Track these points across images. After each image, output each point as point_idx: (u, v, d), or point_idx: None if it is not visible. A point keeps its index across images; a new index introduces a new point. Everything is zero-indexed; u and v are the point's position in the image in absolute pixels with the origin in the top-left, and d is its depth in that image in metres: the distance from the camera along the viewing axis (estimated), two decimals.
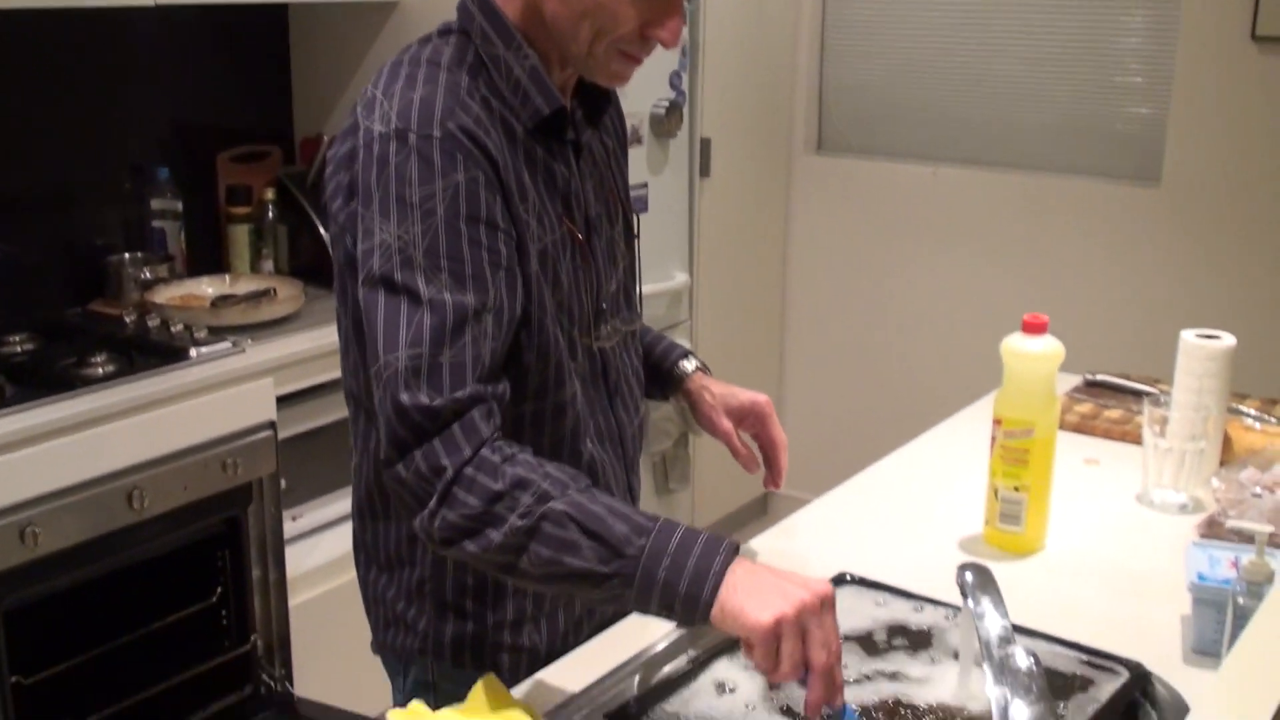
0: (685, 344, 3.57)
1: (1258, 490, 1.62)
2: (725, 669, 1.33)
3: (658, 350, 1.66)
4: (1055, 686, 1.31)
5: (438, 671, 1.45)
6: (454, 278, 1.23)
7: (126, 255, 2.85)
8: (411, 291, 1.23)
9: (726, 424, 1.61)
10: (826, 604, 1.14)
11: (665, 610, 1.17)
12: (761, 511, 4.10)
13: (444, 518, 1.20)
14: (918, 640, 1.39)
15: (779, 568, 1.18)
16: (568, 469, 1.23)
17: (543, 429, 1.38)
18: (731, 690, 1.27)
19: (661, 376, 1.65)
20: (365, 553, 1.49)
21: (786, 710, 1.24)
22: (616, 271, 1.50)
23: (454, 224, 1.24)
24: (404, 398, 1.20)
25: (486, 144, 1.27)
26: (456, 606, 1.43)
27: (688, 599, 1.14)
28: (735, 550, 1.17)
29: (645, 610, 1.18)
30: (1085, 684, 1.32)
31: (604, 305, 1.46)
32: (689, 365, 1.66)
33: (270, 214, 3.03)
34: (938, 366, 3.81)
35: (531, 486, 1.19)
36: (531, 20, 1.34)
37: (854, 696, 1.27)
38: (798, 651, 1.12)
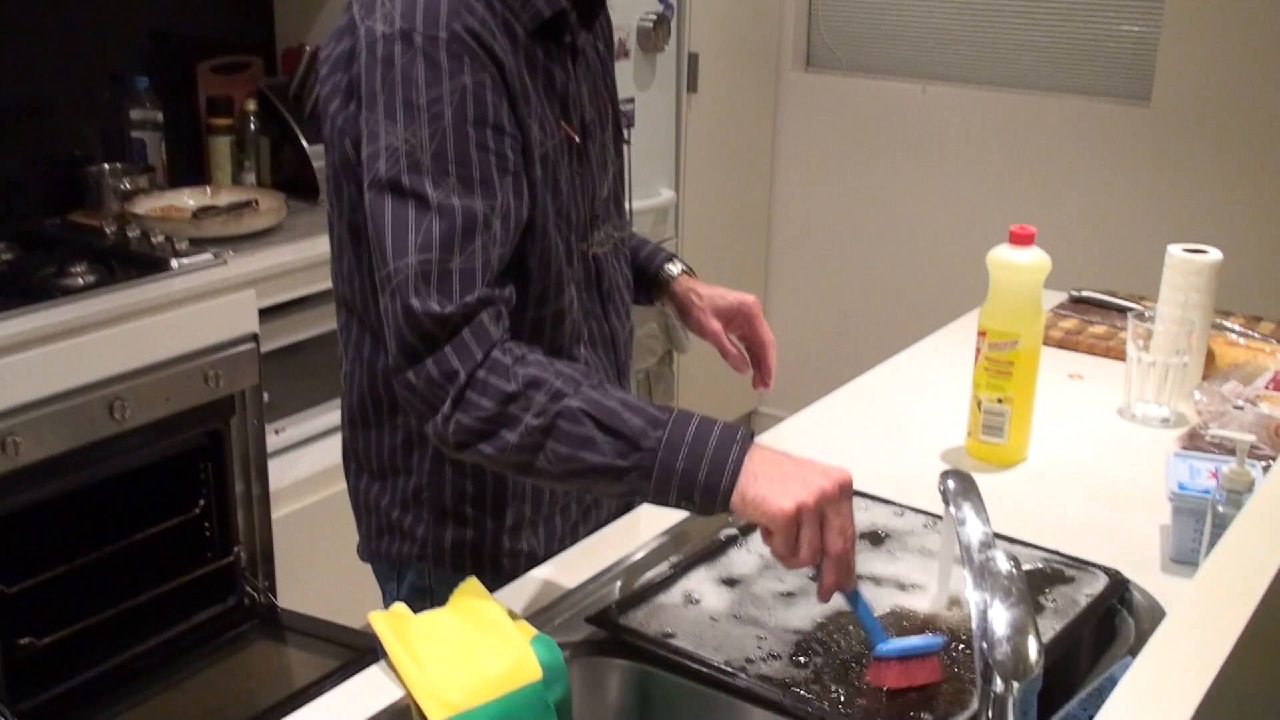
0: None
1: (1239, 403, 1.62)
2: (701, 579, 1.34)
3: (643, 255, 1.65)
4: (1034, 592, 1.32)
5: (435, 577, 1.45)
6: (462, 182, 1.22)
7: (106, 166, 2.81)
8: (420, 196, 1.22)
9: (715, 324, 1.60)
10: (845, 491, 1.15)
11: (684, 500, 1.17)
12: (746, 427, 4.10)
13: (458, 421, 1.20)
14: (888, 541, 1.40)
15: (793, 454, 1.19)
16: (577, 366, 1.23)
17: (542, 335, 1.38)
18: (696, 601, 1.28)
19: (647, 281, 1.64)
20: (357, 461, 1.48)
21: (751, 620, 1.25)
22: (608, 177, 1.48)
23: (462, 127, 1.22)
24: (415, 304, 1.20)
25: (493, 46, 1.25)
26: (456, 513, 1.43)
27: (707, 488, 1.15)
28: (751, 438, 1.18)
29: (664, 502, 1.19)
30: (1064, 591, 1.33)
31: (598, 211, 1.45)
32: (674, 268, 1.65)
33: (252, 126, 2.99)
34: (924, 283, 3.80)
35: (545, 385, 1.19)
36: None
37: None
38: (816, 539, 1.14)
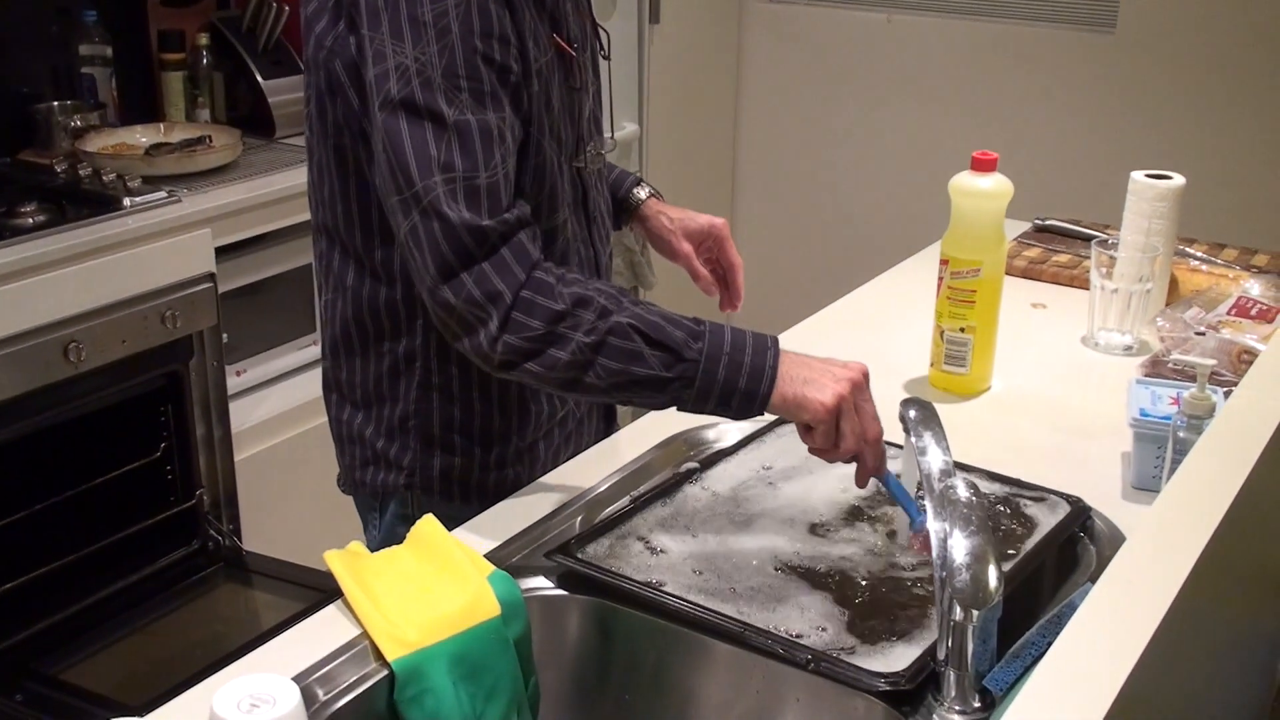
0: None
1: (1201, 329, 1.62)
2: (655, 522, 1.33)
3: (610, 179, 1.63)
4: (995, 519, 1.31)
5: (421, 505, 1.44)
6: (475, 97, 1.22)
7: (55, 103, 2.74)
8: (435, 114, 1.21)
9: (686, 247, 1.60)
10: (868, 379, 1.25)
11: (722, 407, 1.24)
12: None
13: (506, 342, 1.21)
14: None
15: (814, 355, 1.27)
16: (609, 282, 1.27)
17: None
18: (662, 552, 1.27)
19: (616, 205, 1.62)
20: (339, 392, 1.47)
21: (699, 572, 1.25)
22: (589, 97, 1.46)
23: (469, 40, 1.22)
24: (453, 218, 1.20)
25: None
26: (444, 441, 1.43)
27: (746, 394, 1.22)
28: (778, 344, 1.25)
29: (701, 409, 1.24)
30: (1026, 518, 1.33)
31: (584, 129, 1.43)
32: (643, 192, 1.64)
33: (205, 60, 2.93)
34: (890, 213, 3.78)
35: (592, 304, 1.22)
36: None
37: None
38: (858, 426, 1.22)
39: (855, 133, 3.84)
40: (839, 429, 1.22)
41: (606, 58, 1.52)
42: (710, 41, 3.82)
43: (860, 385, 1.23)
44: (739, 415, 1.25)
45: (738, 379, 1.22)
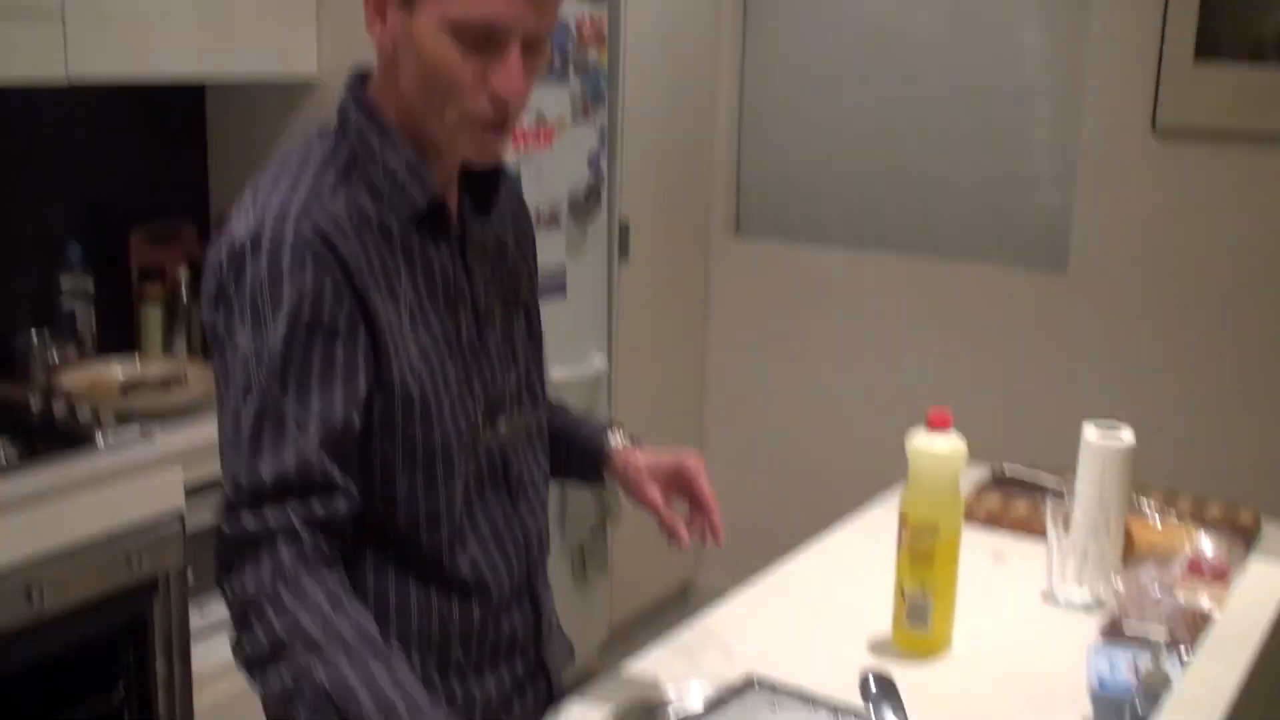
0: None
1: (1157, 593, 1.65)
2: None
3: (582, 434, 1.65)
4: None
5: None
6: (281, 385, 1.26)
7: (34, 335, 2.79)
8: (259, 403, 1.26)
9: (653, 492, 1.56)
10: None
11: None
12: (681, 600, 4.09)
13: (242, 641, 1.27)
14: None
15: None
16: (368, 627, 1.25)
17: (417, 538, 1.38)
18: None
19: (589, 459, 1.63)
20: None
21: None
22: (516, 365, 1.49)
23: (293, 332, 1.26)
24: (227, 514, 1.27)
25: (339, 246, 1.28)
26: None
27: None
28: None
29: None
30: None
31: (499, 400, 1.45)
32: (614, 440, 1.63)
33: (184, 294, 3.00)
34: (853, 449, 3.84)
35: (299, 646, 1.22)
36: (403, 112, 1.35)
37: None
38: None
39: (818, 366, 3.93)
40: None
41: (537, 327, 1.56)
42: (679, 276, 3.94)
43: None
44: None
45: None
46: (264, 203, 1.29)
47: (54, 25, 2.36)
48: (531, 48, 1.31)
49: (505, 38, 1.28)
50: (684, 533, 1.52)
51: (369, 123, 1.36)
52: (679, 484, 1.57)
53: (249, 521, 1.25)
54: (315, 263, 1.26)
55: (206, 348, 1.33)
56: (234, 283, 1.27)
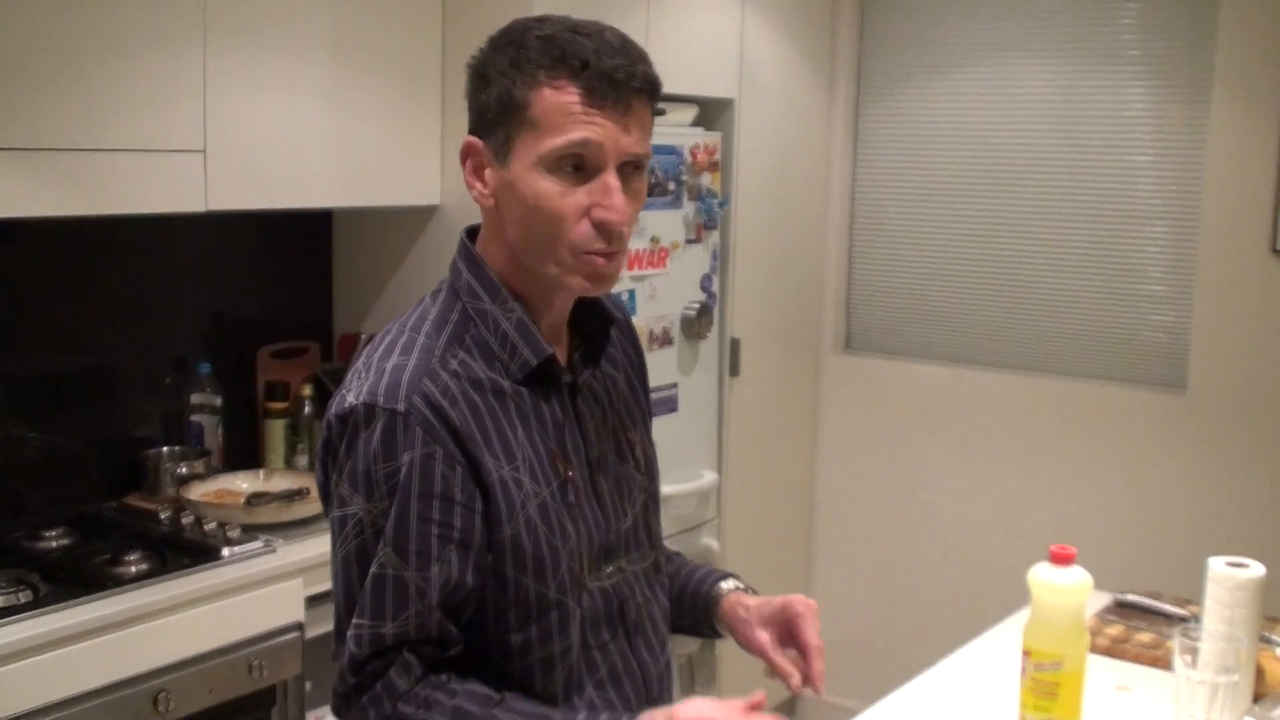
0: (713, 543, 3.55)
1: None
2: None
3: (696, 577, 1.65)
4: None
5: None
6: (403, 554, 1.31)
7: (164, 449, 2.89)
8: (370, 566, 1.32)
9: (762, 636, 1.56)
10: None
11: None
12: (789, 714, 4.03)
13: None
14: None
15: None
16: (479, 689, 1.33)
17: (533, 683, 1.39)
18: None
19: (700, 608, 1.63)
20: None
21: None
22: (632, 506, 1.51)
23: (406, 502, 1.31)
24: (345, 659, 1.33)
25: (450, 415, 1.32)
26: None
27: None
28: None
29: None
30: None
31: (615, 543, 1.47)
32: (726, 586, 1.63)
33: (306, 409, 3.09)
34: (966, 570, 3.78)
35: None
36: (512, 265, 1.40)
37: None
38: None
39: (930, 483, 3.89)
40: None
41: (648, 472, 1.57)
42: (788, 392, 3.96)
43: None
44: None
45: None
46: (378, 369, 1.34)
47: (196, 161, 2.49)
48: (629, 170, 1.35)
49: (600, 163, 1.32)
50: (794, 677, 1.53)
51: (478, 280, 1.41)
52: (786, 625, 1.56)
53: (372, 670, 1.31)
54: (426, 433, 1.31)
55: None
56: (345, 447, 1.33)
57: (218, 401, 2.99)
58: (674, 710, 1.32)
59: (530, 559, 1.36)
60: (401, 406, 1.31)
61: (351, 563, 1.33)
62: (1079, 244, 3.63)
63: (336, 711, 1.35)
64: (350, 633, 1.33)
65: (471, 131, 1.39)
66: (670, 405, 3.37)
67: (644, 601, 1.51)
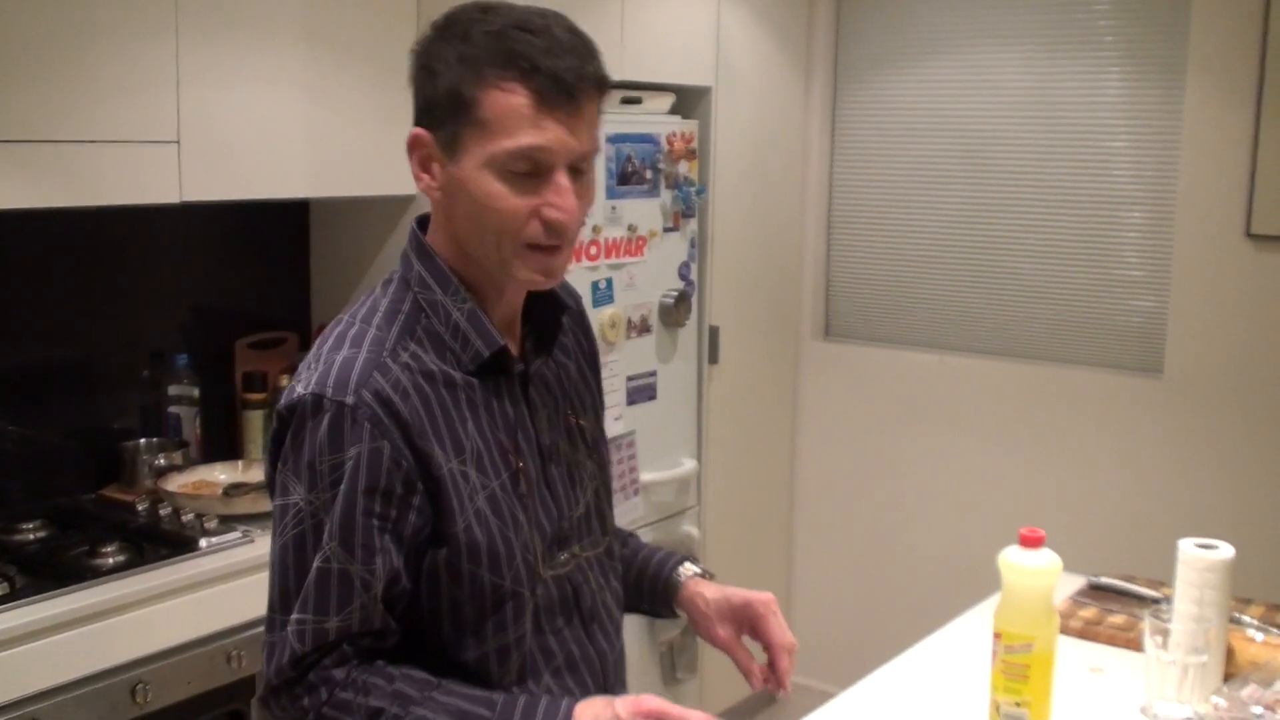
0: (693, 530, 3.57)
1: (1258, 710, 1.61)
2: None
3: (652, 564, 1.66)
4: None
5: None
6: (347, 548, 1.31)
7: (142, 441, 2.89)
8: (312, 557, 1.32)
9: (723, 632, 1.59)
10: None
11: None
12: (771, 701, 4.04)
13: None
14: None
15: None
16: (416, 674, 1.34)
17: (488, 672, 1.40)
18: None
19: (659, 591, 1.64)
20: None
21: None
22: (583, 494, 1.51)
23: (352, 495, 1.30)
24: (286, 655, 1.33)
25: (400, 409, 1.32)
26: None
27: None
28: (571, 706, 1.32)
29: None
30: None
31: (567, 531, 1.47)
32: (685, 572, 1.64)
33: None
34: (944, 553, 3.80)
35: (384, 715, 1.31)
36: (462, 257, 1.40)
37: None
38: None
39: (910, 469, 3.91)
40: None
41: (598, 460, 1.57)
42: (768, 380, 3.97)
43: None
44: None
45: None
46: (327, 360, 1.34)
47: (170, 152, 2.48)
48: (577, 169, 1.35)
49: (549, 165, 1.32)
50: (756, 677, 1.55)
51: (429, 270, 1.41)
52: (748, 622, 1.57)
53: (309, 663, 1.32)
54: (374, 427, 1.31)
55: None
56: (292, 438, 1.33)
57: (195, 393, 2.98)
58: (615, 702, 1.31)
59: (485, 552, 1.37)
60: (350, 399, 1.30)
61: (289, 552, 1.33)
62: (1056, 230, 3.65)
63: (264, 702, 1.35)
64: (292, 628, 1.33)
65: (418, 122, 1.38)
66: (649, 393, 3.37)
67: (598, 588, 1.51)
